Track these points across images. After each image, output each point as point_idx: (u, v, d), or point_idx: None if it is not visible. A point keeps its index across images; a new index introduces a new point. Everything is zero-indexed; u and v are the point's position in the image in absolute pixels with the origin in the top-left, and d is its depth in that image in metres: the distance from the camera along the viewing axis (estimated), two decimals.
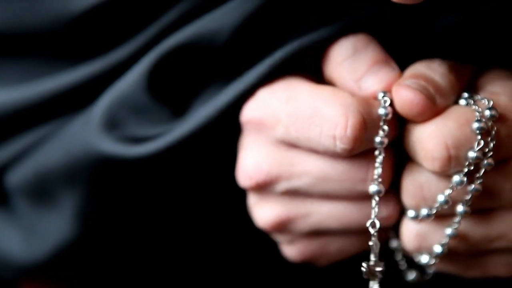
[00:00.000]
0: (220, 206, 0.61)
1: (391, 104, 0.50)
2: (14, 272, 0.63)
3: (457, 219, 0.51)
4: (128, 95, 0.55)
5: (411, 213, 0.51)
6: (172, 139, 0.54)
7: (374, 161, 0.50)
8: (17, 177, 0.60)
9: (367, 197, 0.51)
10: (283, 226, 0.54)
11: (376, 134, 0.50)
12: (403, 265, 0.56)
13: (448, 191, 0.50)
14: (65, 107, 0.59)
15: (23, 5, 0.57)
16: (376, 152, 0.50)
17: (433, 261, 0.52)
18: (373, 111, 0.50)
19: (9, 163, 0.61)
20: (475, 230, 0.52)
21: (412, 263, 0.56)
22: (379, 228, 0.51)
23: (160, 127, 0.55)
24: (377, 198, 0.51)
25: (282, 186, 0.52)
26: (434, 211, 0.50)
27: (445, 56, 0.52)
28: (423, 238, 0.52)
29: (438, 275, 0.56)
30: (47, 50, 0.59)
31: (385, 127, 0.50)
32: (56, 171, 0.58)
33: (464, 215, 0.50)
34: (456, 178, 0.49)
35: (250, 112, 0.53)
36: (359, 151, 0.50)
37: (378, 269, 0.51)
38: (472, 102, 0.50)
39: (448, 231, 0.51)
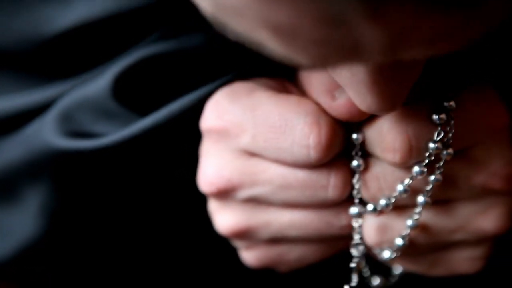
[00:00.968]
0: (186, 206, 0.61)
1: None
2: None
3: (417, 209, 0.51)
4: (98, 99, 0.55)
5: (370, 206, 0.51)
6: (126, 134, 0.54)
7: (335, 168, 0.51)
8: None
9: (328, 205, 0.52)
10: (243, 233, 0.54)
11: (341, 142, 0.50)
12: (366, 272, 0.56)
13: (407, 181, 0.50)
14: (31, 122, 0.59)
15: None
16: (354, 163, 0.51)
17: (394, 255, 0.52)
18: (334, 119, 0.50)
19: None
20: (436, 221, 0.52)
21: (376, 270, 0.57)
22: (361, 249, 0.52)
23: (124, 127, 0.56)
24: (360, 221, 0.51)
25: (243, 193, 0.52)
26: (392, 201, 0.51)
27: None
28: (384, 231, 0.52)
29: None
30: (19, 67, 0.59)
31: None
32: (17, 168, 0.58)
33: (425, 205, 0.51)
34: (416, 168, 0.49)
35: (212, 119, 0.52)
36: (330, 158, 0.50)
37: None
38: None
39: (409, 222, 0.51)
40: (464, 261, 0.54)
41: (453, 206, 0.52)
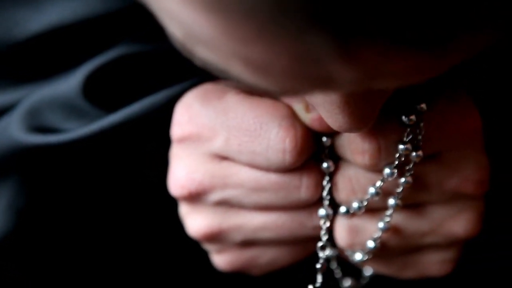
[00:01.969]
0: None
1: None
2: None
3: (389, 212, 0.51)
4: (68, 98, 0.55)
5: (342, 209, 0.52)
6: (94, 129, 0.54)
7: (307, 169, 0.51)
8: None
9: (300, 206, 0.52)
10: (215, 237, 0.54)
11: (313, 145, 0.50)
12: (338, 273, 0.57)
13: (379, 183, 0.50)
14: None
15: None
16: (324, 165, 0.51)
17: (366, 257, 0.53)
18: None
19: None
20: (407, 224, 0.52)
21: (348, 272, 0.57)
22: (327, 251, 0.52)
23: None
24: (328, 223, 0.51)
25: (214, 196, 0.52)
26: (365, 203, 0.51)
27: None
28: (355, 233, 0.52)
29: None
30: None
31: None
32: None
33: (396, 208, 0.51)
34: (386, 170, 0.50)
35: (183, 123, 0.52)
36: (301, 163, 0.50)
37: None
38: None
39: (381, 224, 0.51)
40: (434, 264, 0.54)
41: (425, 210, 0.52)
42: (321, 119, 0.49)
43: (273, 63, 0.34)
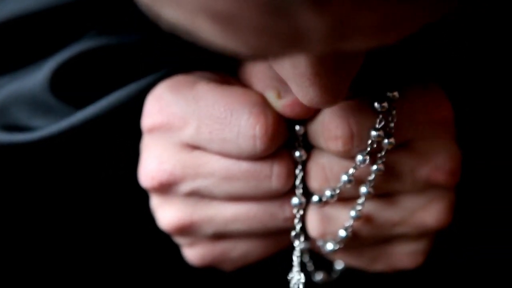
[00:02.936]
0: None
1: None
2: None
3: (361, 200, 0.51)
4: (34, 93, 0.55)
5: (315, 198, 0.52)
6: (63, 126, 0.53)
7: (278, 158, 0.51)
8: None
9: (272, 196, 0.52)
10: (186, 229, 0.53)
11: (285, 133, 0.50)
12: (310, 266, 0.56)
13: (351, 171, 0.50)
14: None
15: None
16: (296, 153, 0.51)
17: (337, 247, 0.53)
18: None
19: None
20: (379, 213, 0.52)
21: (319, 267, 0.57)
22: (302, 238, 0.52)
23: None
24: (301, 211, 0.51)
25: (185, 187, 0.52)
26: (337, 191, 0.51)
27: None
28: (327, 222, 0.52)
29: None
30: None
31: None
32: None
33: (368, 196, 0.51)
34: (359, 157, 0.50)
35: (154, 113, 0.52)
36: (275, 149, 0.50)
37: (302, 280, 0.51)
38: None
39: (352, 213, 0.52)
40: (404, 255, 0.54)
41: (396, 199, 0.52)
42: (292, 105, 0.49)
43: (240, 14, 0.33)
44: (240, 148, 0.50)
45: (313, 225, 0.53)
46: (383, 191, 0.52)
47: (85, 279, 0.63)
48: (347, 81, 0.46)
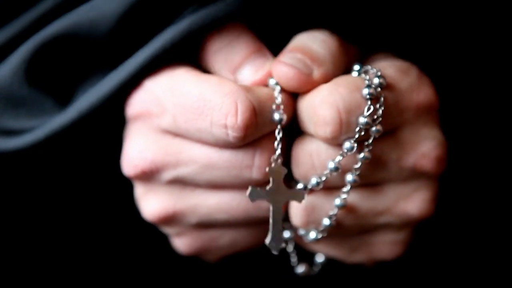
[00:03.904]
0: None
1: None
2: None
3: (346, 188, 0.51)
4: (3, 87, 0.53)
5: (300, 185, 0.51)
6: (51, 130, 0.52)
7: (260, 148, 0.50)
8: None
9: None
10: (170, 218, 0.53)
11: (268, 119, 0.50)
12: (293, 257, 0.56)
13: (338, 158, 0.50)
14: None
15: None
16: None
17: (320, 236, 0.52)
18: (262, 97, 0.50)
19: None
20: (363, 203, 0.52)
21: (303, 258, 0.56)
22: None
23: (43, 118, 0.53)
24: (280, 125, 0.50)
25: (168, 175, 0.51)
26: (323, 178, 0.50)
27: None
28: (311, 211, 0.52)
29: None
30: None
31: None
32: None
33: (353, 184, 0.50)
34: (346, 144, 0.50)
35: (136, 101, 0.52)
36: (251, 138, 0.50)
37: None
38: (363, 72, 0.51)
39: (337, 201, 0.51)
40: (385, 245, 0.54)
41: (381, 188, 0.52)
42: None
43: None
44: (215, 137, 0.49)
45: (297, 213, 0.52)
46: (369, 180, 0.52)
47: (73, 270, 0.62)
48: None
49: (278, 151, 0.50)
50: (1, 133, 0.54)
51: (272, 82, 0.51)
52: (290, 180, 0.52)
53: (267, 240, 0.50)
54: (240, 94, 0.49)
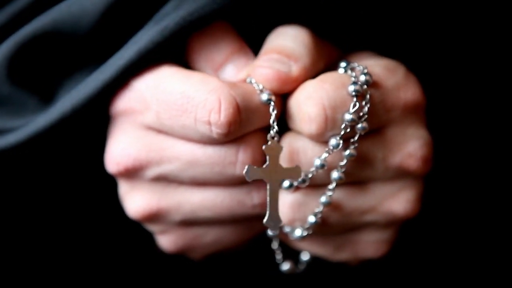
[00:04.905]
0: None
1: None
2: None
3: (332, 186, 0.51)
4: None
5: (286, 183, 0.51)
6: (34, 130, 0.52)
7: (244, 144, 0.50)
8: None
9: (238, 183, 0.51)
10: (155, 216, 0.53)
11: (253, 116, 0.50)
12: (279, 254, 0.56)
13: (324, 155, 0.50)
14: None
15: None
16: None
17: (306, 233, 0.52)
18: (246, 94, 0.50)
19: None
20: (349, 201, 0.52)
21: (288, 255, 0.56)
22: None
23: (26, 117, 0.53)
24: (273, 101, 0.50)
25: (151, 172, 0.51)
26: (309, 176, 0.50)
27: None
28: (297, 208, 0.52)
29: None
30: None
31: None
32: None
33: (339, 181, 0.50)
34: (332, 141, 0.50)
35: (119, 99, 0.52)
36: (236, 135, 0.50)
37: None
38: (350, 69, 0.51)
39: (323, 199, 0.51)
40: (370, 244, 0.54)
41: (367, 187, 0.52)
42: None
43: None
44: (199, 134, 0.49)
45: (283, 211, 0.52)
46: (354, 178, 0.52)
47: (58, 267, 0.61)
48: None
49: (275, 128, 0.50)
50: None
51: (253, 81, 0.51)
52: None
53: (265, 220, 0.50)
54: (223, 91, 0.49)
